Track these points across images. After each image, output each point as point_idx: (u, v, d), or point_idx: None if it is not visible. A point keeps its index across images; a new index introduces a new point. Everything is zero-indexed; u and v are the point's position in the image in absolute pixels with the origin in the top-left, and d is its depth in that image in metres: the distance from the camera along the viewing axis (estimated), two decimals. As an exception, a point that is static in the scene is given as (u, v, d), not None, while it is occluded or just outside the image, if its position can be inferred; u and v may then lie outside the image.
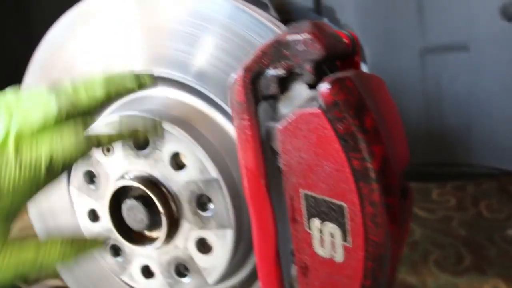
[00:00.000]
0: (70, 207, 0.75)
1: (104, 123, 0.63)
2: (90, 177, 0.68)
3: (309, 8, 1.05)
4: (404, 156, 0.57)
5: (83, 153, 0.48)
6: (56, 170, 0.45)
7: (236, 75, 0.48)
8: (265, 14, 0.58)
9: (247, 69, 0.48)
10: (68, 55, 0.71)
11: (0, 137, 0.44)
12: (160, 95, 0.63)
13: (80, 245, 0.50)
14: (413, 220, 1.73)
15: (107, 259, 0.70)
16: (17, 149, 0.44)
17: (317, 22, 0.53)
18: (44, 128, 0.46)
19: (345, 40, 0.59)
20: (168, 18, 0.62)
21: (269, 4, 0.68)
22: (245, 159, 0.51)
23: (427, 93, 1.01)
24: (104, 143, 0.50)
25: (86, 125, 0.48)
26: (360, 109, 0.45)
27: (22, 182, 0.44)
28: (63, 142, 0.46)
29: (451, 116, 1.00)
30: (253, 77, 0.48)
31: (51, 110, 0.46)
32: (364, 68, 1.05)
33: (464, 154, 1.02)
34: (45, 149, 0.45)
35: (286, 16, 1.12)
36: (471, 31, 0.93)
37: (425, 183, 1.99)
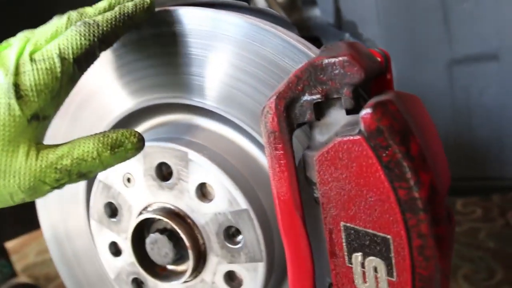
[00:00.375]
0: (86, 231, 0.74)
1: None
2: (111, 210, 0.66)
3: (330, 23, 1.03)
4: (446, 178, 0.54)
5: (89, 42, 0.50)
6: (67, 59, 0.49)
7: (268, 102, 0.46)
8: (289, 33, 0.55)
9: (281, 96, 0.45)
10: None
11: (18, 49, 0.50)
12: (186, 123, 0.61)
13: (113, 138, 0.51)
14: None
15: None
16: (33, 52, 0.50)
17: (351, 42, 0.50)
18: (56, 35, 0.52)
19: (379, 59, 0.57)
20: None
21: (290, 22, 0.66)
22: (278, 190, 0.48)
23: (455, 106, 0.98)
24: (105, 28, 0.52)
25: (90, 26, 0.51)
26: (405, 135, 0.42)
27: (40, 76, 0.48)
28: (68, 34, 0.51)
29: (481, 129, 0.97)
30: (287, 104, 0.45)
31: (62, 20, 0.53)
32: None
33: (496, 167, 0.99)
34: (54, 43, 0.50)
35: (306, 32, 1.10)
36: (501, 40, 0.91)
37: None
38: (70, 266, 0.79)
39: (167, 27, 0.58)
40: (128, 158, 0.52)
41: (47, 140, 0.53)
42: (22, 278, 1.49)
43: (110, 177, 0.63)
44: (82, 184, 0.71)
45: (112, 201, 0.64)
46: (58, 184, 0.51)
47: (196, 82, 0.57)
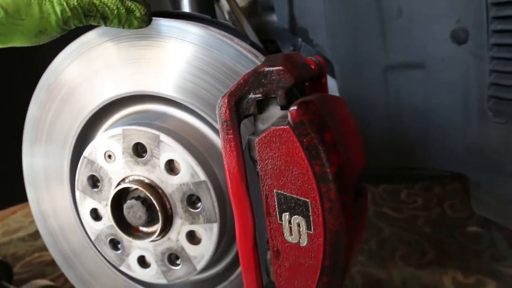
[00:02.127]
0: (71, 207, 0.86)
1: (108, 136, 0.74)
2: (93, 181, 0.78)
3: (285, 28, 1.16)
4: (360, 162, 0.70)
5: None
6: None
7: (222, 98, 0.60)
8: (242, 43, 0.70)
9: (232, 94, 0.60)
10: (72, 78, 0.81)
11: None
12: (158, 111, 0.75)
13: (128, 5, 0.66)
14: (382, 219, 1.87)
15: (107, 253, 0.81)
16: None
17: (289, 54, 0.65)
18: None
19: (313, 67, 0.72)
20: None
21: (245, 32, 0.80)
22: (229, 165, 0.63)
23: (389, 106, 1.13)
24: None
25: None
26: (321, 126, 0.57)
27: None
28: None
29: (410, 126, 1.12)
30: (237, 100, 0.60)
31: None
32: (333, 82, 1.17)
33: (422, 159, 1.15)
34: None
35: (265, 35, 1.24)
36: (427, 52, 1.05)
37: (395, 185, 2.12)
38: (56, 238, 0.90)
39: (145, 33, 0.71)
40: (135, 27, 0.66)
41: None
42: None
43: (93, 153, 0.76)
44: (66, 163, 0.84)
45: (95, 174, 0.76)
46: (69, 20, 0.62)
47: (166, 78, 0.71)
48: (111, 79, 0.75)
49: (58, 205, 0.88)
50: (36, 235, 1.96)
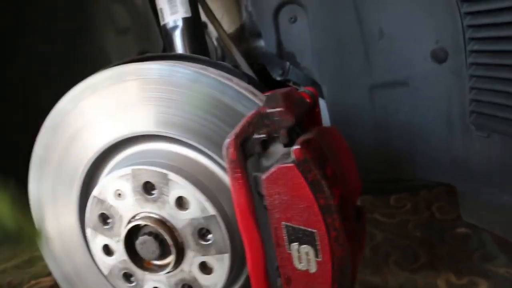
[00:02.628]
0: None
1: (117, 176, 0.77)
2: (104, 219, 0.81)
3: (273, 53, 1.21)
4: (357, 186, 0.74)
5: None
6: None
7: (229, 139, 0.64)
8: (241, 83, 0.75)
9: (237, 136, 0.64)
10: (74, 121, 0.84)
11: None
12: (164, 149, 0.79)
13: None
14: (374, 225, 1.92)
15: (121, 286, 0.83)
16: None
17: (288, 92, 0.70)
18: None
19: (308, 100, 0.77)
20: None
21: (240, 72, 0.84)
22: (238, 201, 0.67)
23: (376, 122, 1.18)
24: None
25: None
26: (322, 162, 0.62)
27: None
28: None
29: (397, 141, 1.18)
30: (242, 141, 0.64)
31: None
32: (322, 102, 1.22)
33: (408, 170, 1.20)
34: None
35: (254, 60, 1.28)
36: (409, 71, 1.10)
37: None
38: (61, 263, 0.92)
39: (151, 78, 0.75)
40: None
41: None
42: None
43: (103, 193, 0.79)
44: (74, 198, 0.86)
45: (105, 212, 0.79)
46: None
47: (174, 120, 0.75)
48: (120, 119, 0.79)
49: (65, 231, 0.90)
50: (31, 261, 1.94)
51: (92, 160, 0.82)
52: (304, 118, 0.80)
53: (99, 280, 0.89)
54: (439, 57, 1.08)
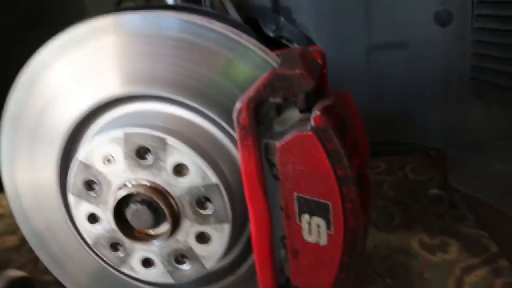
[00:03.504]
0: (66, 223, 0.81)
1: (108, 139, 0.70)
2: (89, 185, 0.73)
3: (267, 7, 1.13)
4: (367, 154, 0.71)
5: None
6: None
7: (241, 103, 0.59)
8: (252, 40, 0.68)
9: (251, 100, 0.58)
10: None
11: None
12: (161, 111, 0.72)
13: None
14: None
15: (107, 255, 0.77)
16: None
17: (303, 52, 0.64)
18: None
19: (320, 61, 0.71)
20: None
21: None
22: (246, 169, 0.62)
23: (371, 84, 1.15)
24: None
25: None
26: (343, 131, 0.58)
27: None
28: None
29: (391, 103, 1.16)
30: (256, 105, 0.58)
31: None
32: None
33: (402, 134, 1.19)
34: None
35: (245, 13, 1.20)
36: (410, 32, 1.07)
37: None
38: (42, 238, 0.86)
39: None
40: None
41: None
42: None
43: (90, 158, 0.71)
44: (54, 159, 0.79)
45: (92, 178, 0.72)
46: None
47: (171, 78, 0.68)
48: (109, 76, 0.70)
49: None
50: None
51: (77, 120, 0.74)
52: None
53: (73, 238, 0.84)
54: (443, 19, 1.03)
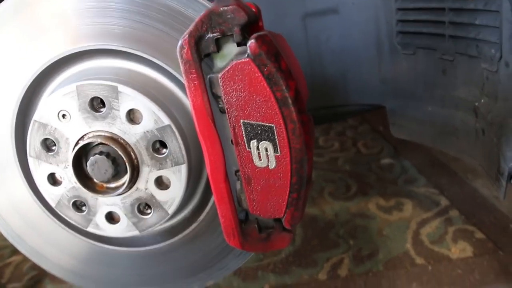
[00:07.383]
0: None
1: (60, 95, 0.73)
2: (47, 145, 0.76)
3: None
4: (305, 90, 0.77)
5: None
6: None
7: (183, 39, 0.64)
8: None
9: (191, 35, 0.63)
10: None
11: None
12: (110, 65, 0.76)
13: None
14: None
15: (71, 216, 0.80)
16: None
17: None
18: None
19: (253, 9, 0.77)
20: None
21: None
22: (194, 103, 0.67)
23: (310, 51, 1.23)
24: None
25: None
26: (277, 56, 0.64)
27: None
28: None
29: (330, 68, 1.24)
30: (196, 40, 0.64)
31: None
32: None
33: (343, 96, 1.27)
34: None
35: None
36: None
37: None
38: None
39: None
40: None
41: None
42: None
43: (45, 116, 0.74)
44: (9, 125, 0.81)
45: (49, 137, 0.75)
46: None
47: (116, 30, 0.72)
48: (58, 35, 0.74)
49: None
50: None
51: (29, 82, 0.77)
52: (250, 30, 0.81)
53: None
54: (367, -18, 1.13)
